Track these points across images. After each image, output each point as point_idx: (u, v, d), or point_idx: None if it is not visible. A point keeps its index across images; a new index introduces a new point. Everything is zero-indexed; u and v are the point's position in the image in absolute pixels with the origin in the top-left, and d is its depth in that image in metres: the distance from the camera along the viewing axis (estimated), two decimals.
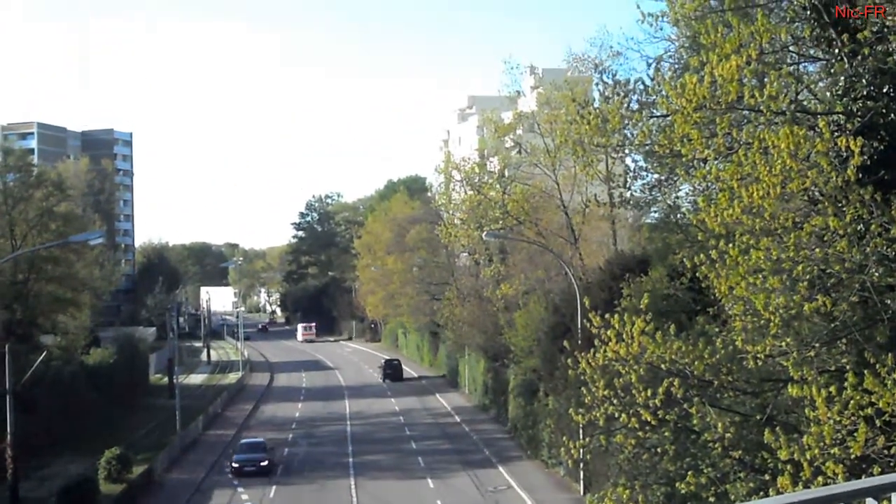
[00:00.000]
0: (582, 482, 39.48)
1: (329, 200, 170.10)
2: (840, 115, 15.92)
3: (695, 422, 16.98)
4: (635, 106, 20.40)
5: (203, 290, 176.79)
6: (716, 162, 17.00)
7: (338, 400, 75.35)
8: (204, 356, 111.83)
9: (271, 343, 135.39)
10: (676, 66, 24.82)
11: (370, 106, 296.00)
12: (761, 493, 16.38)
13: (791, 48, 17.98)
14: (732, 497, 17.76)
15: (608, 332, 16.84)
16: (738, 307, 16.03)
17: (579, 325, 32.07)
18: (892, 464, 14.14)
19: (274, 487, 45.09)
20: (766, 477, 16.01)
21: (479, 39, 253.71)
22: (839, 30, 16.07)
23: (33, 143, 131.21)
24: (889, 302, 15.16)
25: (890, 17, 15.75)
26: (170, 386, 73.08)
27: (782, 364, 15.79)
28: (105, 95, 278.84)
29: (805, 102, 17.69)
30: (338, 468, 48.89)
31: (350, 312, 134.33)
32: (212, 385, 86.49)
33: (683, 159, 17.73)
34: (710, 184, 18.13)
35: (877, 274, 14.93)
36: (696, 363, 16.28)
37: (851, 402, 14.20)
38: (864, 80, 15.68)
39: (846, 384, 14.31)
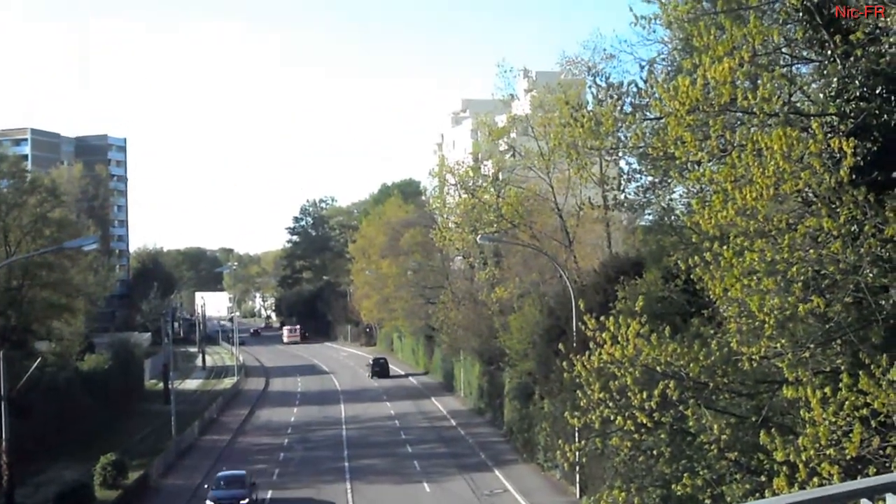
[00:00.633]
0: (578, 485, 39.49)
1: (323, 205, 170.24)
2: (833, 117, 15.95)
3: (690, 424, 16.98)
4: (629, 109, 20.40)
5: (198, 295, 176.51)
6: (709, 164, 17.02)
7: (333, 404, 75.23)
8: (199, 361, 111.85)
9: (266, 347, 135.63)
10: (670, 68, 24.84)
11: (369, 106, 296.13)
12: (757, 495, 16.40)
13: (784, 50, 18.03)
14: (728, 499, 17.77)
15: (603, 335, 16.84)
16: (733, 309, 16.06)
17: (574, 328, 32.08)
18: (887, 464, 14.14)
19: (270, 492, 45.01)
20: (762, 478, 16.00)
21: (479, 40, 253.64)
22: (832, 31, 16.12)
23: (27, 150, 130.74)
24: (883, 303, 15.17)
25: (884, 19, 15.78)
26: (165, 391, 72.98)
27: (777, 365, 15.81)
28: (104, 95, 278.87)
29: (798, 104, 17.69)
30: (334, 472, 48.78)
31: (345, 316, 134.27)
32: (207, 390, 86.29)
33: (677, 161, 17.77)
34: (703, 186, 18.16)
35: (871, 275, 14.95)
36: (691, 365, 16.29)
37: (846, 402, 14.21)
38: (856, 82, 15.71)
39: (841, 385, 14.32)
